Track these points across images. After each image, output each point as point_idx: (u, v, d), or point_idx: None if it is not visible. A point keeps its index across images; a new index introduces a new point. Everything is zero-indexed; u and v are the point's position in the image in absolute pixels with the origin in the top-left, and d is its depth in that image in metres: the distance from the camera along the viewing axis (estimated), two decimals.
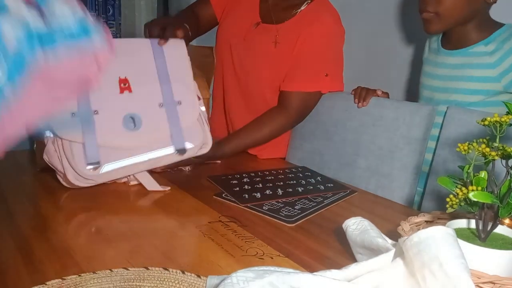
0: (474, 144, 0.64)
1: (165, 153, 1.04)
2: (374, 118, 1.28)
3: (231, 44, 1.41)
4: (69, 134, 0.96)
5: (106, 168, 0.98)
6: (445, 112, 1.17)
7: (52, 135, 0.99)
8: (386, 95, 1.33)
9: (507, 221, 0.69)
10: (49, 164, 1.00)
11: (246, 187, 1.05)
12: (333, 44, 1.36)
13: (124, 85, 1.03)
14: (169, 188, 1.02)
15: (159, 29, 1.10)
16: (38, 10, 0.55)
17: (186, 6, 1.51)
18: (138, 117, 1.02)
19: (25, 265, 0.67)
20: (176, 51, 1.11)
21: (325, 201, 1.01)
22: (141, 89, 1.04)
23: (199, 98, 1.12)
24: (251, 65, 1.37)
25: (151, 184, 1.02)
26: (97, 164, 0.97)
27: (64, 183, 0.99)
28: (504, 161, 0.63)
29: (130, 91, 1.03)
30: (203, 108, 1.13)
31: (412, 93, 1.68)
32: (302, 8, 1.34)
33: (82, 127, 0.96)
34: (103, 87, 0.99)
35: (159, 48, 1.09)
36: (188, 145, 1.06)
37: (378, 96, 1.31)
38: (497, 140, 0.63)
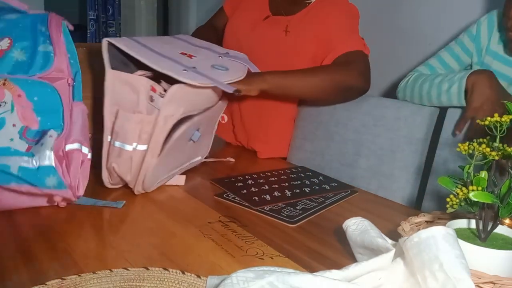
0: (474, 144, 0.64)
1: None
2: (376, 118, 1.28)
3: (240, 37, 1.41)
4: None
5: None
6: (445, 113, 1.17)
7: (134, 148, 0.94)
8: None
9: (507, 221, 0.69)
10: (111, 171, 0.97)
11: (253, 189, 1.05)
12: (353, 19, 1.36)
13: None
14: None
15: None
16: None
17: (186, 7, 1.52)
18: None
19: (25, 265, 0.67)
20: None
21: (326, 201, 1.01)
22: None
23: None
24: (260, 54, 1.35)
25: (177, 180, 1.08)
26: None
27: (108, 185, 0.99)
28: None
29: None
30: None
31: None
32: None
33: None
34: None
35: None
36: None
37: None
38: (497, 140, 0.63)
